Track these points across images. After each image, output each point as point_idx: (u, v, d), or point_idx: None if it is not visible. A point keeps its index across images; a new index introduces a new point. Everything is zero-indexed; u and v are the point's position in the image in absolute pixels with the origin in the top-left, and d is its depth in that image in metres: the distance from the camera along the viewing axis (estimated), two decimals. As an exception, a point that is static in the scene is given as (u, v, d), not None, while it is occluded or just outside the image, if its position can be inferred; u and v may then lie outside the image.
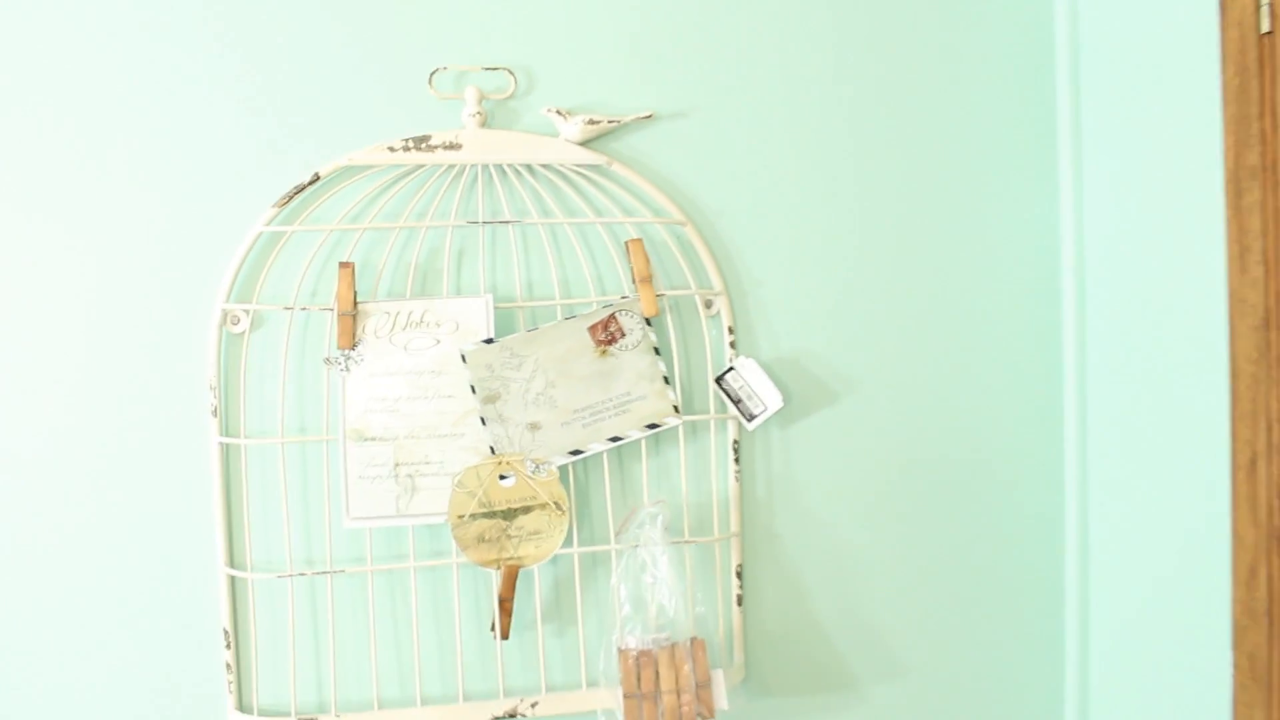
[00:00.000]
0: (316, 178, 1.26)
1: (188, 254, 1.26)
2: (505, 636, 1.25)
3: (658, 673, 1.24)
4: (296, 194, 1.25)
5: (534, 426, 1.25)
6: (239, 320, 1.26)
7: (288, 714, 1.27)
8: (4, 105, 1.23)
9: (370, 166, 1.27)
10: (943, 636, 1.39)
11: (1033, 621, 1.42)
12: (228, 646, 1.26)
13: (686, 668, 1.24)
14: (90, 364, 1.25)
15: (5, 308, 1.24)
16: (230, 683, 1.27)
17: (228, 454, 1.27)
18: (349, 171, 1.27)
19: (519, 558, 1.25)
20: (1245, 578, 1.14)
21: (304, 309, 1.26)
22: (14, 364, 1.24)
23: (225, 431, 1.27)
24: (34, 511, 1.25)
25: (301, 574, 1.26)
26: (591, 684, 1.30)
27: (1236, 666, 1.16)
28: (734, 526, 1.33)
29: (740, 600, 1.34)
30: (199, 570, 1.27)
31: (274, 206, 1.25)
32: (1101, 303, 1.37)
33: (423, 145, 1.26)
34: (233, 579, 1.27)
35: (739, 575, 1.33)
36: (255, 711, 1.28)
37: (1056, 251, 1.41)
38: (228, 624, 1.26)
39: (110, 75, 1.25)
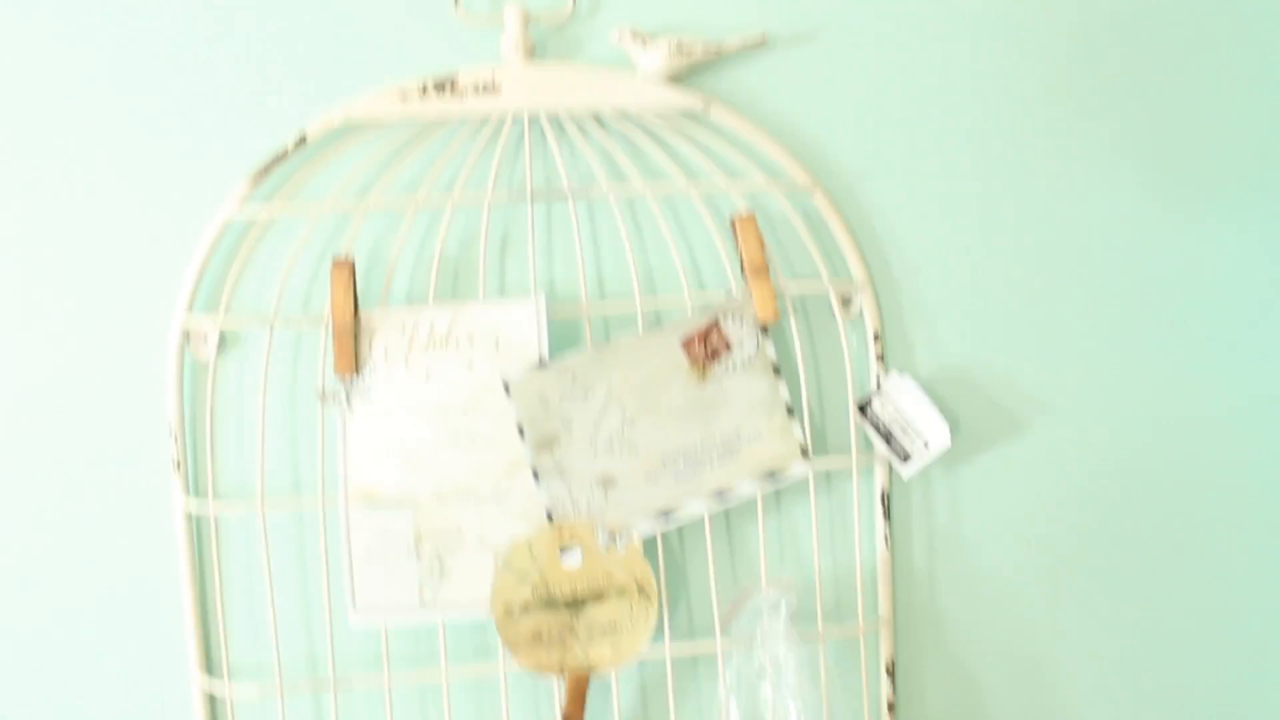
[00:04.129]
0: (304, 140, 0.94)
1: (133, 251, 0.96)
2: (574, 766, 0.94)
3: (785, 816, 0.93)
4: (276, 164, 0.94)
5: (607, 481, 0.94)
6: (205, 340, 0.95)
7: None
8: None
9: (376, 122, 0.95)
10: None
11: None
12: (205, 780, 0.95)
13: (825, 811, 0.93)
14: (9, 407, 0.96)
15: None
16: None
17: (197, 526, 0.96)
18: (348, 130, 0.95)
19: (590, 662, 0.94)
20: None
21: (291, 322, 0.95)
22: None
23: (193, 492, 0.96)
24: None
25: (298, 687, 0.95)
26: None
27: None
28: (884, 609, 1.01)
29: (893, 708, 1.02)
30: (164, 681, 0.97)
31: (247, 182, 0.94)
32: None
33: (447, 89, 0.94)
34: (210, 696, 0.96)
35: (891, 675, 1.02)
36: None
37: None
38: (203, 752, 0.95)
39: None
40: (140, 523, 0.96)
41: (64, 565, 0.96)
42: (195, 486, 0.96)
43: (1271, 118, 1.04)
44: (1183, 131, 1.04)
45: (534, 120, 0.96)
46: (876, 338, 1.01)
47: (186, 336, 0.95)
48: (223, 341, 0.96)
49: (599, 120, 0.97)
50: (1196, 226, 1.04)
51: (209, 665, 0.96)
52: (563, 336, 0.97)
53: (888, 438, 0.99)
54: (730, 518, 1.00)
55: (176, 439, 0.94)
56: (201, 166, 0.96)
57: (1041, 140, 1.02)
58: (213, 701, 0.96)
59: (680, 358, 0.95)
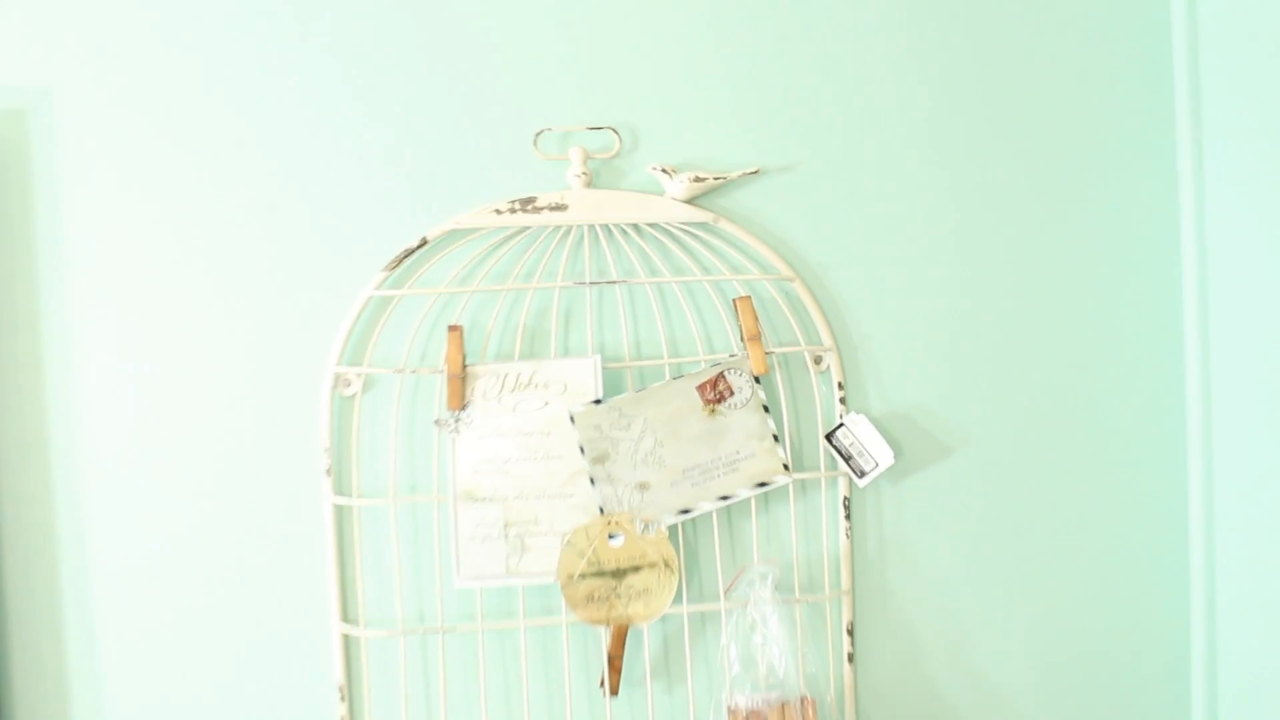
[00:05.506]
0: (424, 241, 1.26)
1: (299, 318, 1.28)
2: (615, 693, 1.26)
3: (768, 732, 1.22)
4: (405, 258, 1.26)
5: (643, 486, 1.25)
6: (350, 383, 1.28)
7: (402, 771, 1.28)
8: (111, 155, 1.26)
9: (477, 229, 1.27)
10: (1064, 695, 1.36)
11: (1158, 682, 1.37)
12: (342, 700, 1.27)
13: (798, 729, 1.23)
14: (208, 424, 1.28)
15: (120, 368, 1.27)
16: (346, 739, 1.28)
17: (341, 514, 1.28)
18: (456, 235, 1.28)
19: (628, 616, 1.25)
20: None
21: (414, 371, 1.27)
22: (132, 424, 1.27)
23: (338, 491, 1.28)
24: (153, 564, 1.28)
25: (413, 631, 1.27)
26: (702, 744, 1.28)
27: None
28: (845, 584, 1.32)
29: (851, 658, 1.32)
30: (313, 626, 1.29)
31: (383, 270, 1.26)
32: (1229, 354, 1.31)
33: (529, 207, 1.26)
34: (346, 636, 1.28)
35: (850, 633, 1.32)
36: (370, 767, 1.29)
37: (1179, 293, 1.36)
38: (341, 680, 1.27)
39: (225, 139, 1.27)
40: (300, 513, 1.28)
41: (241, 545, 1.28)
42: (341, 487, 1.29)
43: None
44: (1080, 208, 1.35)
45: (591, 228, 1.29)
46: (840, 386, 1.32)
47: (337, 380, 1.28)
48: (364, 384, 1.28)
49: (637, 229, 1.29)
50: (1090, 294, 1.35)
51: (346, 615, 1.29)
52: (610, 383, 1.28)
53: (848, 458, 1.30)
54: (731, 514, 1.31)
55: (328, 453, 1.28)
56: (352, 260, 1.28)
57: (958, 240, 1.33)
58: (348, 641, 1.29)
59: (696, 399, 1.27)
